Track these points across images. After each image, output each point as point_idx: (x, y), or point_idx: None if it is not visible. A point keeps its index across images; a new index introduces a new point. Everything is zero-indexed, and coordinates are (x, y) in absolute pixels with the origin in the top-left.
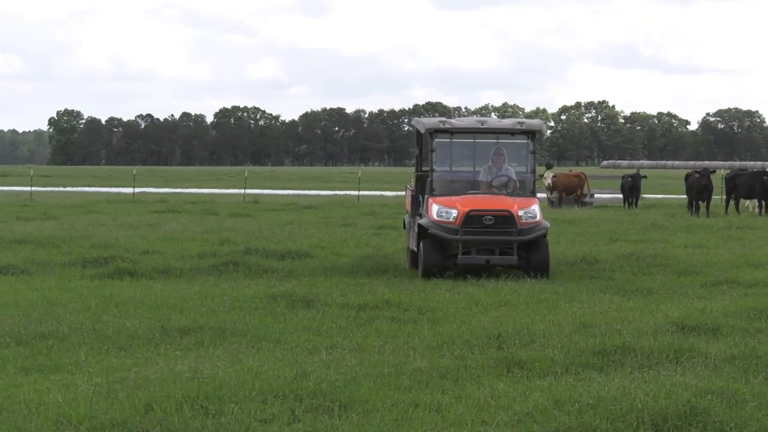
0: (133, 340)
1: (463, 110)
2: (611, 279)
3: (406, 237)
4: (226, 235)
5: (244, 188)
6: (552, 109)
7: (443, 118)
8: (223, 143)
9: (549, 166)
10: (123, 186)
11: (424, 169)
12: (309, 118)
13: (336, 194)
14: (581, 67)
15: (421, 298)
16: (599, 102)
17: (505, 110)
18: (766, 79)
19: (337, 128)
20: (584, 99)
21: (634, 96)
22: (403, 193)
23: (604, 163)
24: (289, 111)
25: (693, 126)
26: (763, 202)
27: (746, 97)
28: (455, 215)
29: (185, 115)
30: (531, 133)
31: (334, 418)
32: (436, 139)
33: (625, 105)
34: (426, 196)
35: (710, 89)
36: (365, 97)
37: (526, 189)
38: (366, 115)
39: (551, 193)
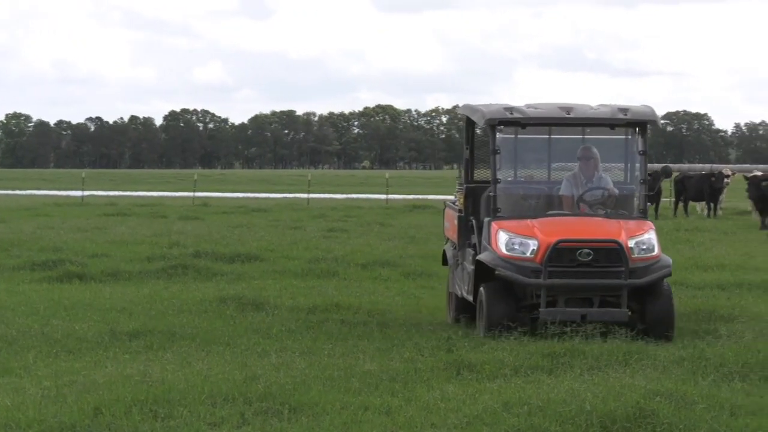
0: (82, 343)
1: (413, 113)
2: None
3: (448, 278)
4: (175, 239)
5: (194, 191)
6: None
7: (510, 105)
8: (172, 146)
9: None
10: (72, 189)
11: (477, 179)
12: (258, 121)
13: (286, 197)
14: (527, 70)
15: (371, 301)
16: None
17: (455, 112)
18: (711, 82)
19: (286, 131)
20: (533, 102)
21: (582, 99)
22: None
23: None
24: (237, 114)
25: None
26: (712, 205)
27: (692, 100)
28: (535, 248)
29: (134, 118)
30: (640, 126)
31: (284, 421)
32: (500, 135)
33: None
34: (487, 220)
35: (656, 92)
36: (313, 100)
37: (632, 208)
38: (316, 118)
39: None
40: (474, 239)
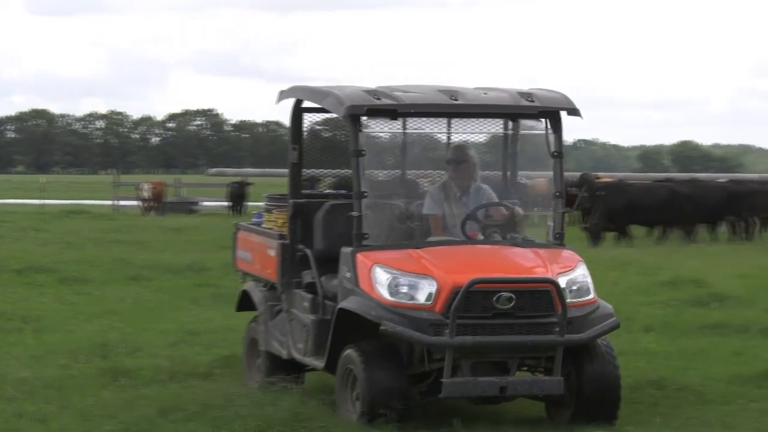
0: None
1: (69, 117)
2: (218, 287)
3: (251, 330)
4: None
5: None
6: (159, 116)
7: (374, 88)
8: None
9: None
10: None
11: (307, 191)
12: None
13: None
14: (182, 75)
15: (25, 307)
16: (206, 110)
17: (112, 117)
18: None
19: None
20: (190, 107)
21: (239, 104)
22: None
23: (211, 170)
24: None
25: None
26: None
27: None
28: (433, 291)
29: None
30: (552, 117)
31: None
32: (364, 130)
33: (232, 113)
34: (350, 251)
35: None
36: None
37: (546, 230)
38: None
39: (147, 204)
40: (309, 277)
